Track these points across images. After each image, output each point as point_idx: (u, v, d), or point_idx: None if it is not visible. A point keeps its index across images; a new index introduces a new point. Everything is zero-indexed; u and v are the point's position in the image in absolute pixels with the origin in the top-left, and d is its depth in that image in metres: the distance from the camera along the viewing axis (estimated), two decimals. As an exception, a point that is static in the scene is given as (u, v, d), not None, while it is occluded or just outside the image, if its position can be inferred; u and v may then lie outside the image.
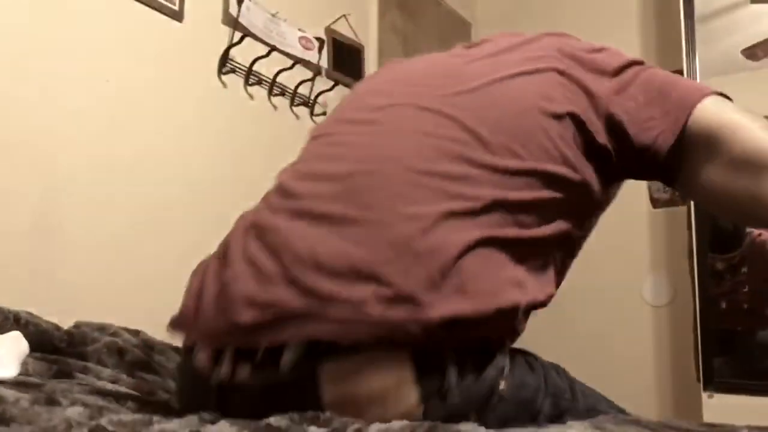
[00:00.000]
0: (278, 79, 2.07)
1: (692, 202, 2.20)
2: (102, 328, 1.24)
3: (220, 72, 1.91)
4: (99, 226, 1.56)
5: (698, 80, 2.25)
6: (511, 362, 0.74)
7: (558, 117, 0.79)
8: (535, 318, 0.79)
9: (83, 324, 1.25)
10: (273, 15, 2.06)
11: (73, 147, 1.51)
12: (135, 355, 1.17)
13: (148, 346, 1.25)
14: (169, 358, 1.20)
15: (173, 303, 1.76)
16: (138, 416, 0.64)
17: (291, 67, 2.06)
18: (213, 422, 0.62)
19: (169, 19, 1.77)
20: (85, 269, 1.51)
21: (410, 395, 0.68)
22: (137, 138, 1.66)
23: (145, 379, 1.10)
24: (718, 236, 2.25)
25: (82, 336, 1.18)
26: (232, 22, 1.91)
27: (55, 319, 1.21)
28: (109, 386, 0.96)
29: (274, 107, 2.10)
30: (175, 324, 0.85)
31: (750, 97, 2.41)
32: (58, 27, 1.51)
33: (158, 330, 1.40)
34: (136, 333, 1.28)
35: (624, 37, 2.74)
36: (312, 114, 2.24)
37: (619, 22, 2.77)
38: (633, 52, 2.88)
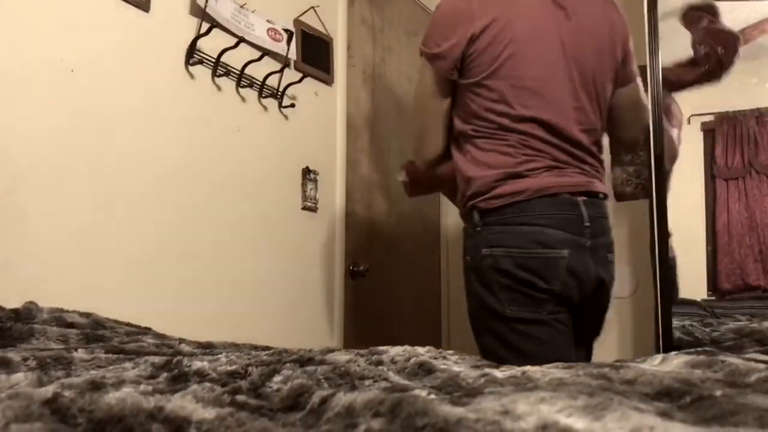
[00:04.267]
0: (246, 71, 2.06)
1: (654, 196, 2.25)
2: (51, 310, 1.23)
3: (187, 63, 1.89)
4: (63, 218, 1.54)
5: (661, 76, 2.29)
6: None
7: None
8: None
9: (30, 303, 1.24)
10: (241, 6, 2.05)
11: (35, 139, 1.49)
12: (84, 327, 1.17)
13: (98, 322, 1.24)
14: (119, 333, 1.19)
15: (136, 295, 1.76)
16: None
17: (259, 59, 2.06)
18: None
19: (135, 9, 1.74)
20: (48, 262, 1.50)
21: None
22: (101, 130, 1.64)
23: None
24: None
25: (28, 312, 1.17)
26: (200, 13, 1.90)
27: (18, 313, 1.20)
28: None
29: (242, 99, 2.10)
30: None
31: (710, 92, 2.48)
32: (19, 16, 1.48)
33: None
34: (87, 315, 1.27)
35: (589, 32, 2.78)
36: (280, 106, 2.24)
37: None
38: (598, 48, 2.88)
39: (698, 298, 2.35)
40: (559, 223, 1.50)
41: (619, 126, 1.74)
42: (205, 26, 1.89)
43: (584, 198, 1.54)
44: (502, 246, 1.51)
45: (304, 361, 0.76)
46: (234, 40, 1.96)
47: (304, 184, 2.33)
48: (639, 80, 1.76)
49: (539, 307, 1.50)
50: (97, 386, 0.61)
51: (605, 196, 1.60)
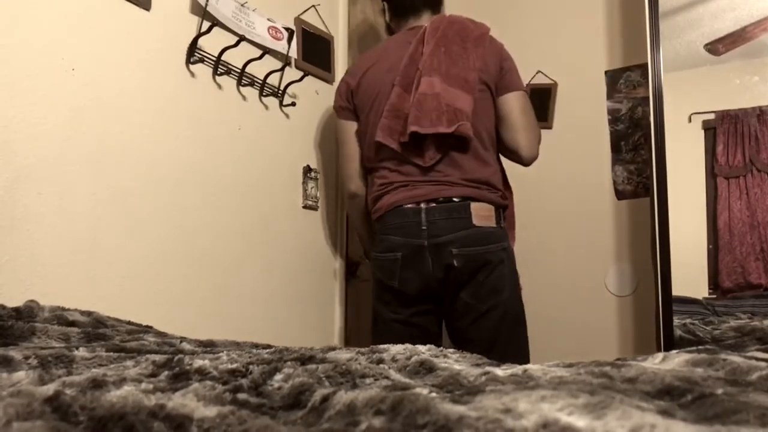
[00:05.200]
0: (247, 69, 2.06)
1: (655, 194, 2.25)
2: (52, 308, 1.24)
3: (188, 62, 1.89)
4: (64, 216, 1.54)
5: (662, 74, 2.29)
6: None
7: None
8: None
9: (31, 301, 1.24)
10: (242, 4, 2.05)
11: (36, 137, 1.49)
12: (85, 326, 1.17)
13: (99, 320, 1.24)
14: (120, 331, 1.19)
15: (137, 293, 1.76)
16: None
17: (260, 57, 2.05)
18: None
19: (136, 7, 1.74)
20: (49, 260, 1.50)
21: None
22: (102, 128, 1.64)
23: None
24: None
25: (29, 310, 1.17)
26: (201, 11, 1.90)
27: (19, 311, 1.20)
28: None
29: (243, 97, 2.09)
30: None
31: (711, 90, 2.47)
32: (20, 15, 1.48)
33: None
34: (88, 313, 1.27)
35: (589, 31, 2.77)
36: (281, 104, 2.24)
37: (584, 17, 2.80)
38: (599, 47, 2.94)
39: (699, 297, 2.35)
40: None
41: None
42: (206, 25, 1.89)
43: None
44: None
45: (305, 359, 0.76)
46: (235, 39, 1.96)
47: (305, 183, 2.32)
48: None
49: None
50: (98, 384, 0.61)
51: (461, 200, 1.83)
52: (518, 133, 1.92)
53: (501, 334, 1.81)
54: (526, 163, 1.96)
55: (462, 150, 1.84)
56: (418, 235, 1.80)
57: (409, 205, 1.83)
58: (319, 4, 2.42)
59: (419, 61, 1.85)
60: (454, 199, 1.81)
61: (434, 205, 1.81)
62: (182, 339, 1.12)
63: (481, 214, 1.82)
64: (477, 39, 1.90)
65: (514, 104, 1.92)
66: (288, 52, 2.21)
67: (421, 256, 1.80)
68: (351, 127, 2.03)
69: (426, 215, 1.80)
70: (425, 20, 2.01)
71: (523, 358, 1.86)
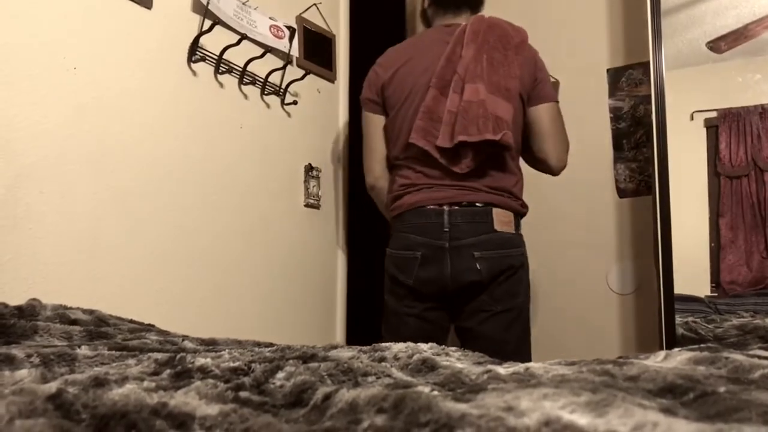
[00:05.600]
0: (249, 68, 2.06)
1: (657, 192, 2.25)
2: (54, 307, 1.24)
3: (189, 60, 1.89)
4: (65, 215, 1.54)
5: (664, 72, 2.29)
6: None
7: None
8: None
9: (34, 300, 1.24)
10: (243, 3, 2.05)
11: (38, 137, 1.49)
12: (87, 324, 1.17)
13: (101, 319, 1.24)
14: (122, 329, 1.20)
15: (139, 292, 1.76)
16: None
17: (261, 56, 2.05)
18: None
19: (137, 6, 1.74)
20: (51, 259, 1.50)
21: None
22: (104, 127, 1.64)
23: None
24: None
25: (31, 309, 1.17)
26: (202, 10, 1.90)
27: (22, 310, 1.20)
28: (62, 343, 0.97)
29: (245, 96, 2.09)
30: None
31: (713, 88, 2.47)
32: (21, 14, 1.48)
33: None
34: (90, 312, 1.27)
35: (591, 29, 2.77)
36: (283, 103, 2.24)
37: (586, 15, 2.80)
38: (600, 45, 2.93)
39: (701, 295, 2.35)
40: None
41: None
42: (208, 23, 1.89)
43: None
44: None
45: (307, 357, 0.76)
46: (236, 37, 1.96)
47: (306, 181, 2.32)
48: None
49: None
50: (100, 382, 0.61)
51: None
52: (547, 144, 1.91)
53: (511, 335, 1.82)
54: (555, 172, 1.96)
55: (493, 159, 1.84)
56: (440, 236, 1.80)
57: (432, 207, 1.83)
58: (320, 3, 2.42)
59: (456, 64, 1.83)
60: (477, 204, 1.82)
61: (457, 208, 1.81)
62: (184, 337, 1.12)
63: (503, 219, 1.83)
64: (517, 46, 1.88)
65: (545, 115, 1.91)
66: (289, 50, 2.21)
67: (441, 257, 1.80)
68: (378, 120, 2.01)
69: (449, 217, 1.80)
70: (463, 19, 1.98)
71: (529, 359, 1.87)
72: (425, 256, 1.82)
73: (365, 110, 2.04)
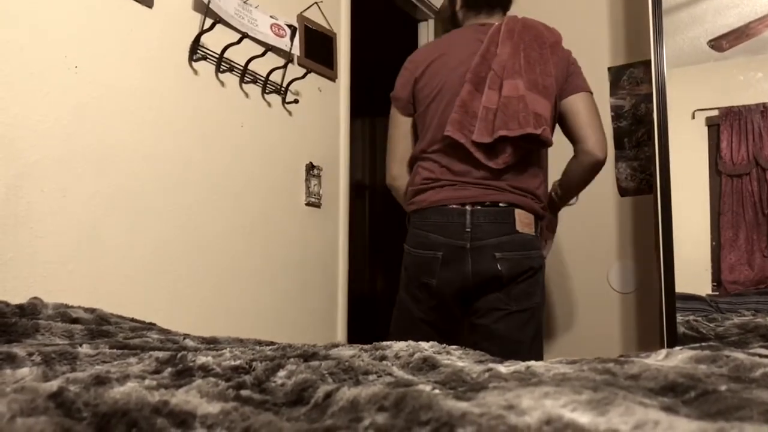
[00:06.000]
0: (250, 67, 2.06)
1: (659, 191, 2.25)
2: (56, 306, 1.24)
3: (191, 59, 1.89)
4: (67, 214, 1.54)
5: (665, 70, 2.29)
6: None
7: None
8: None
9: (35, 298, 1.25)
10: (244, 1, 2.05)
11: (39, 135, 1.49)
12: (88, 323, 1.17)
13: (103, 317, 1.24)
14: (123, 328, 1.20)
15: (140, 290, 1.76)
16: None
17: (263, 55, 2.05)
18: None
19: (138, 5, 1.74)
20: (52, 258, 1.50)
21: None
22: (105, 126, 1.64)
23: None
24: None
25: (33, 307, 1.18)
26: (203, 8, 1.89)
27: (24, 308, 1.20)
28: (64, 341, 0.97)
29: (246, 95, 2.09)
30: None
31: (714, 87, 2.47)
32: (22, 13, 1.48)
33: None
34: (92, 310, 1.28)
35: (593, 27, 2.77)
36: (284, 102, 2.24)
37: (587, 13, 2.80)
38: (602, 43, 2.93)
39: (703, 293, 2.35)
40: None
41: None
42: (209, 22, 1.89)
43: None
44: None
45: (308, 356, 0.76)
46: (237, 36, 1.96)
47: (307, 180, 2.32)
48: None
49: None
50: (101, 381, 0.61)
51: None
52: (585, 131, 1.86)
53: (526, 335, 1.82)
54: (600, 159, 1.85)
55: (522, 158, 1.82)
56: (461, 236, 1.79)
57: (454, 206, 1.82)
58: (321, 1, 2.42)
59: (491, 61, 1.82)
60: (500, 204, 1.81)
61: (479, 207, 1.80)
62: (185, 336, 1.12)
63: (524, 221, 1.83)
64: (553, 46, 1.88)
65: (581, 104, 1.88)
66: (291, 49, 2.21)
67: (462, 257, 1.79)
68: (403, 122, 2.00)
69: (471, 217, 1.79)
70: (496, 19, 1.97)
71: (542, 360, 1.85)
72: (446, 256, 1.80)
73: (393, 106, 2.02)
